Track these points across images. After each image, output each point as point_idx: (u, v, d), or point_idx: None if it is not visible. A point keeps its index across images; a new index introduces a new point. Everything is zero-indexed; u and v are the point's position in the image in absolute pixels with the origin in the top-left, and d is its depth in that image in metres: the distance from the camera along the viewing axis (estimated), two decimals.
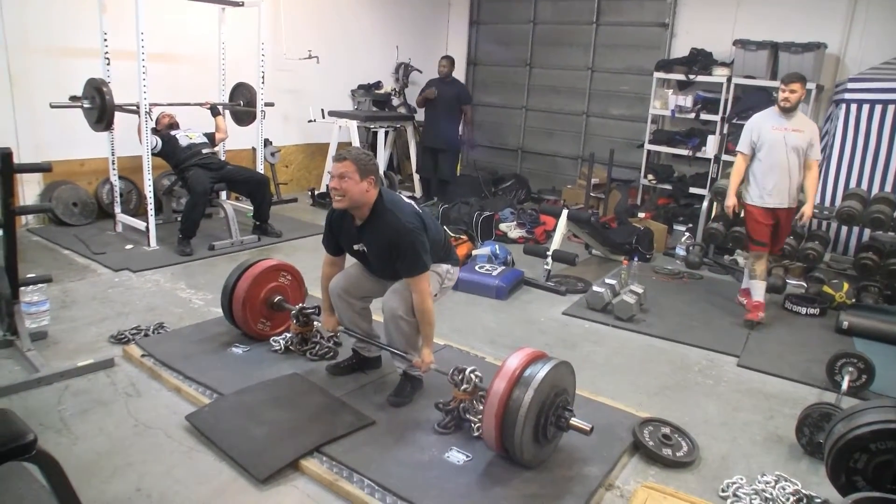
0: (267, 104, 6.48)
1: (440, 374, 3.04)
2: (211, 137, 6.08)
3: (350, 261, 3.34)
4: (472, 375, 2.93)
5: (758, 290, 4.73)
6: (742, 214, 4.96)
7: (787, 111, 4.47)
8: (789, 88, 4.42)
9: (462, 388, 2.93)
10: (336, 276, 3.33)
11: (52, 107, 5.12)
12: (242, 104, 6.54)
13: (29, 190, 5.76)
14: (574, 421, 2.73)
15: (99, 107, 5.15)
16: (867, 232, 5.68)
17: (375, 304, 3.35)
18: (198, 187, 5.46)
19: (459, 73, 9.75)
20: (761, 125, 4.58)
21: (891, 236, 5.46)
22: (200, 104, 6.16)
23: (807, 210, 4.62)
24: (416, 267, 2.96)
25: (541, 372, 2.64)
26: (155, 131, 5.71)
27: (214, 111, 6.22)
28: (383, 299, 3.16)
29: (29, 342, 3.46)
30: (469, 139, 7.97)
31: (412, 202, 3.18)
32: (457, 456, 2.80)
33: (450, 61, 7.61)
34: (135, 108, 5.38)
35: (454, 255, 3.37)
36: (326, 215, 3.29)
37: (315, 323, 3.70)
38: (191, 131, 5.92)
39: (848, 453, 2.38)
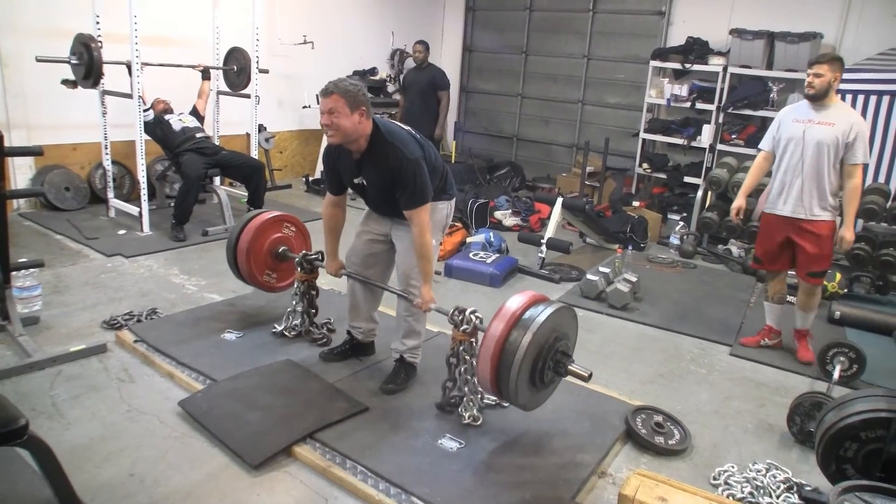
0: (261, 70, 6.38)
1: (441, 313, 3.01)
2: (200, 119, 6.03)
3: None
4: (473, 316, 2.87)
5: (767, 312, 4.19)
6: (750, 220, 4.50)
7: (814, 99, 3.72)
8: (813, 71, 3.68)
9: (462, 328, 2.88)
10: (348, 254, 3.34)
11: (37, 60, 5.05)
12: (236, 69, 6.46)
13: (21, 174, 5.71)
14: (573, 367, 2.68)
15: (87, 63, 5.10)
16: (860, 222, 5.70)
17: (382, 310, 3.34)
18: (191, 173, 5.42)
19: (455, 60, 9.75)
20: (784, 117, 3.92)
21: (883, 227, 5.48)
22: (193, 66, 6.13)
23: (845, 233, 3.74)
24: (418, 199, 2.91)
25: (541, 315, 2.57)
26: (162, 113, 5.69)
27: (205, 74, 6.19)
28: (396, 262, 3.19)
29: (21, 327, 3.44)
30: (439, 133, 7.37)
31: (409, 129, 3.09)
32: (450, 443, 2.80)
33: (425, 46, 7.34)
34: (125, 64, 5.35)
35: (450, 184, 3.25)
36: (322, 152, 3.22)
37: (320, 269, 3.62)
38: (184, 115, 5.88)
39: (838, 442, 2.40)
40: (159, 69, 5.81)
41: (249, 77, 6.31)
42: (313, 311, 3.70)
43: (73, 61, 5.21)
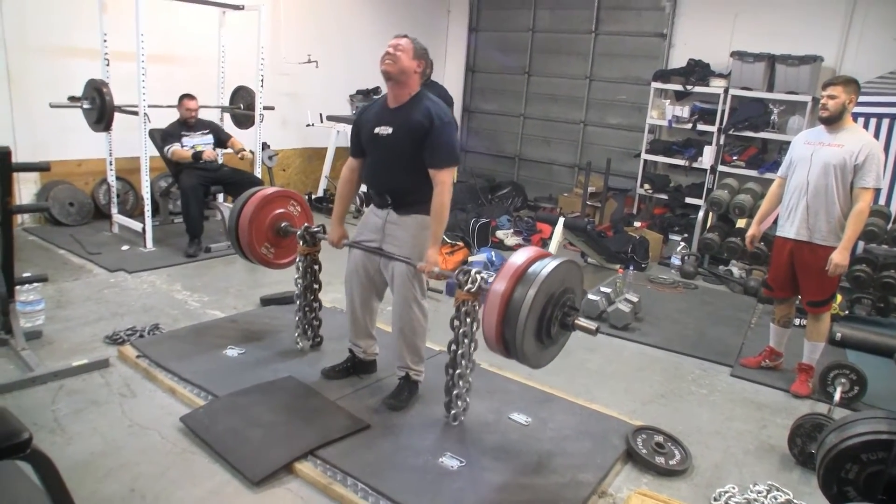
0: (266, 108, 6.48)
1: (444, 277, 3.00)
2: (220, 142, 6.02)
3: None
4: (478, 276, 2.83)
5: (771, 334, 4.16)
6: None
7: (827, 123, 3.63)
8: (827, 93, 3.59)
9: (466, 288, 2.84)
10: (348, 274, 3.34)
11: (51, 106, 5.13)
12: (242, 107, 6.55)
13: (26, 189, 5.75)
14: (580, 321, 2.66)
15: (99, 107, 5.16)
16: (861, 244, 5.72)
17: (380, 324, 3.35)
18: (185, 183, 5.44)
19: (458, 80, 9.82)
20: (797, 141, 3.85)
21: (884, 249, 5.50)
22: (238, 151, 5.94)
23: (835, 256, 3.56)
24: (447, 158, 3.01)
25: (546, 268, 2.56)
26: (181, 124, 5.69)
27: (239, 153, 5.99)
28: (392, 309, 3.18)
29: (23, 341, 3.45)
30: None
31: None
32: (451, 461, 2.80)
33: (429, 63, 7.25)
34: (134, 109, 5.39)
35: None
36: (360, 109, 3.30)
37: (321, 241, 3.60)
38: (198, 143, 5.84)
39: (839, 464, 2.39)
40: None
41: (254, 118, 6.42)
42: (316, 286, 3.70)
43: (85, 106, 5.27)
